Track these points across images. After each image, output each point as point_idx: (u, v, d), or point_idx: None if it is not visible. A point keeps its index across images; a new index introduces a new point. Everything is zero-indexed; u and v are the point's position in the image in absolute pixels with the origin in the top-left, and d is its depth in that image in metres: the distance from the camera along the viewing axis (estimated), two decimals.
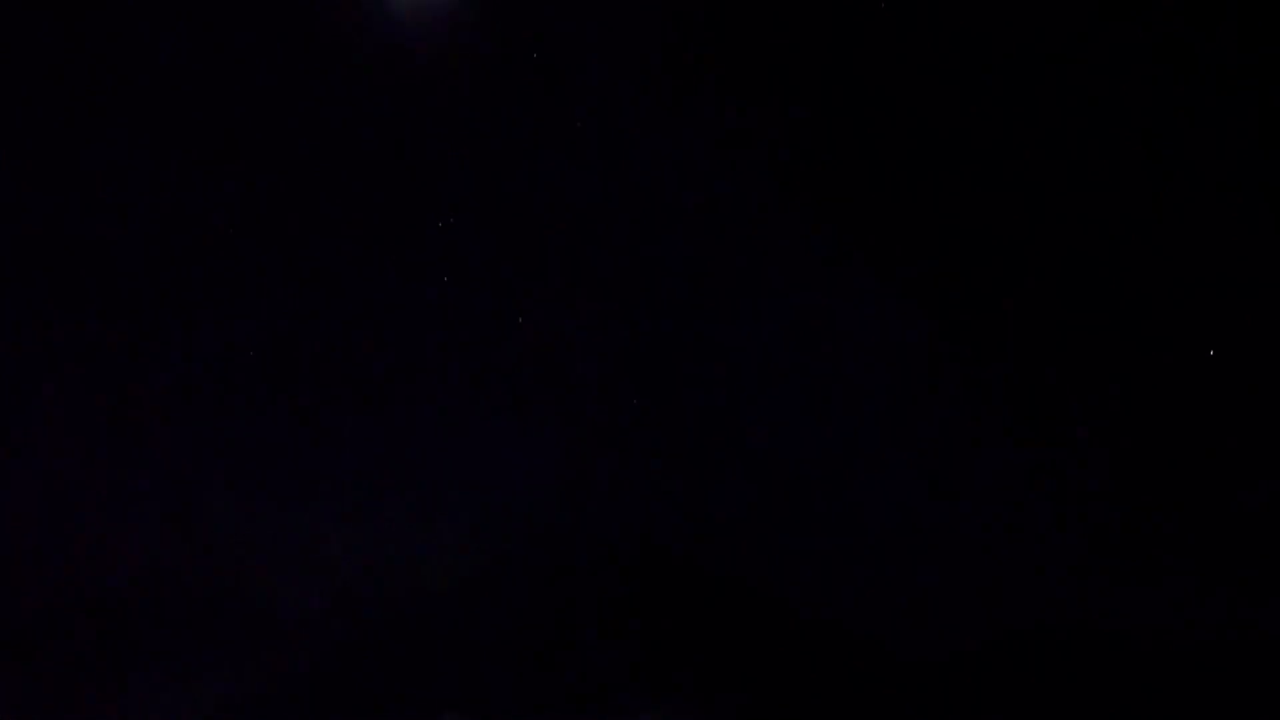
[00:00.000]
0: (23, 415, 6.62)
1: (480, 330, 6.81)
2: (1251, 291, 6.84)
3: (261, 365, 6.72)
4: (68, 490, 6.77)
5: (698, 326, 6.84)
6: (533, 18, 6.31)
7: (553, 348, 6.76)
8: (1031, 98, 6.61)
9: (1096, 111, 6.65)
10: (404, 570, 6.91)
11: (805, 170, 6.75)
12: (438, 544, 6.95)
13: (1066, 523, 6.99)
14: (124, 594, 5.90)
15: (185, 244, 6.65)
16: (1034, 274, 7.03)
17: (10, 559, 6.52)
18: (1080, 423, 7.01)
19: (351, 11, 6.29)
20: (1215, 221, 6.85)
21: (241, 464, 6.86)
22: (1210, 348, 6.57)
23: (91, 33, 6.45)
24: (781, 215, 6.78)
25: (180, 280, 6.68)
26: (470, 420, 6.96)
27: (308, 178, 6.61)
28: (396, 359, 6.87)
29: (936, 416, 7.00)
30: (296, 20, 6.29)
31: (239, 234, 6.60)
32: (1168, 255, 6.82)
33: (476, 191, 6.63)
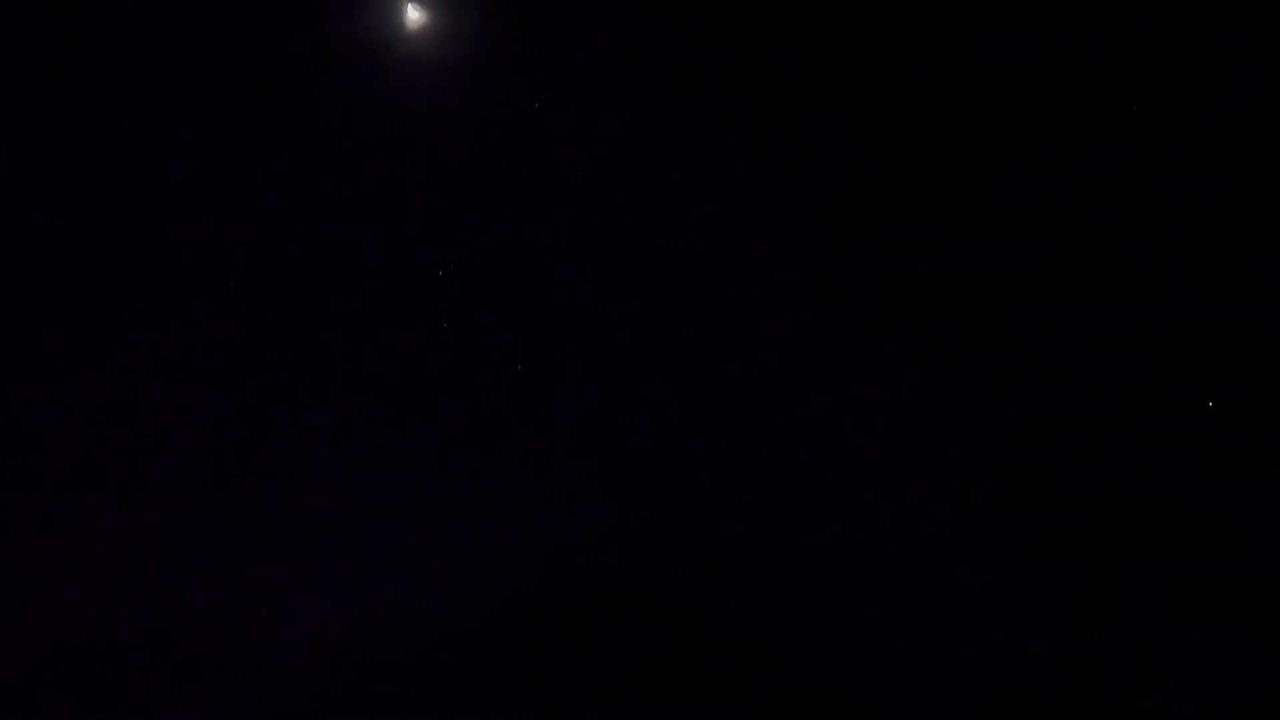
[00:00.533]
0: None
1: (479, 376, 6.84)
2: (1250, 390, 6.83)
3: (258, 404, 6.76)
4: (58, 533, 6.77)
5: (703, 372, 6.84)
6: (535, 67, 6.40)
7: (552, 393, 6.79)
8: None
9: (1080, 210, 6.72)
10: (403, 616, 6.87)
11: (813, 253, 6.80)
12: (438, 587, 6.93)
13: (1062, 589, 6.95)
14: (120, 639, 5.90)
15: (182, 290, 6.71)
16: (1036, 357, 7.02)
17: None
18: (1076, 497, 6.95)
19: (350, 63, 6.39)
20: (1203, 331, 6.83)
21: (239, 508, 6.87)
22: (1210, 401, 6.56)
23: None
24: (786, 278, 6.82)
25: (178, 323, 6.73)
26: (469, 465, 6.96)
27: (306, 218, 6.68)
28: (393, 404, 6.90)
29: (934, 474, 6.97)
30: (292, 69, 6.39)
31: (239, 276, 6.67)
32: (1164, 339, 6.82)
33: (478, 237, 6.69)
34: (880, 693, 6.68)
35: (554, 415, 6.86)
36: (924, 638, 6.78)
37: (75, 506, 6.32)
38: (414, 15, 6.36)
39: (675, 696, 6.83)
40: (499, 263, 6.58)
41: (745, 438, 6.73)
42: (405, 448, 6.88)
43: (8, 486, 6.30)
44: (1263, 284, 6.23)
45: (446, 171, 6.48)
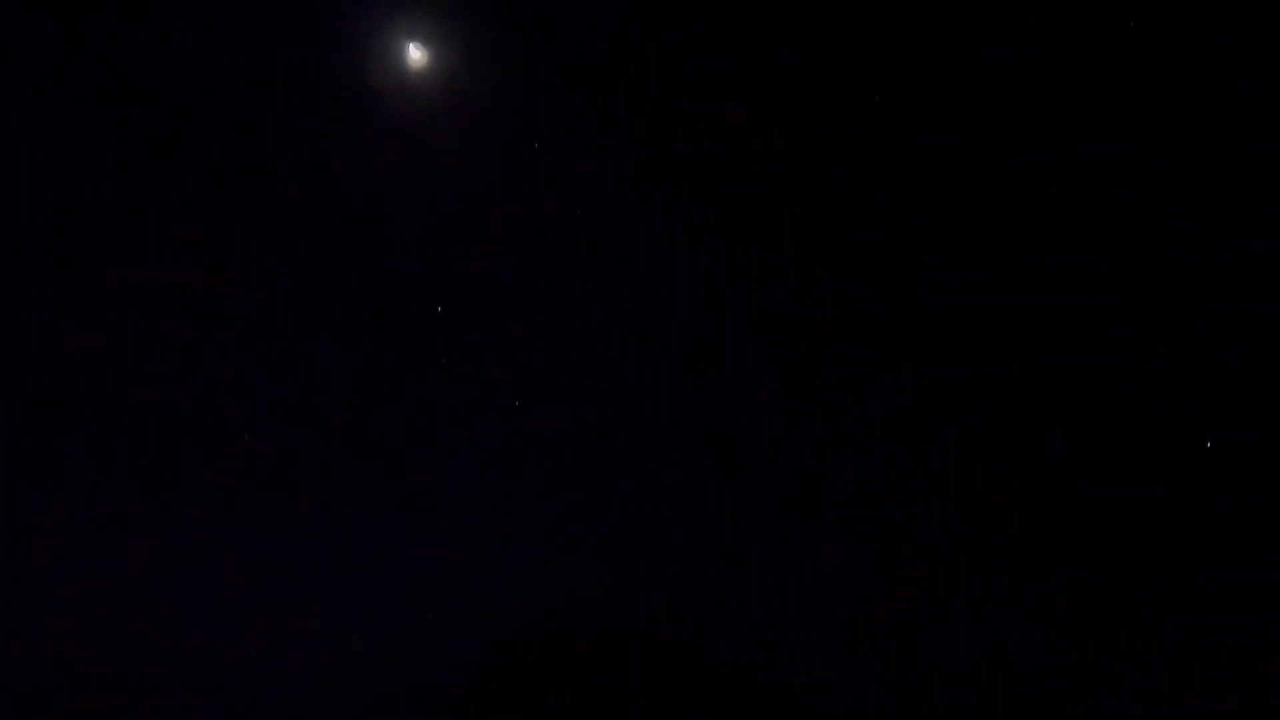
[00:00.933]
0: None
1: (476, 414, 6.85)
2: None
3: (251, 448, 6.75)
4: (49, 574, 6.74)
5: (696, 416, 6.86)
6: (537, 106, 6.47)
7: (548, 431, 6.80)
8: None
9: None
10: (398, 660, 6.83)
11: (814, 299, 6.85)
12: (432, 633, 6.89)
13: (1053, 628, 6.93)
14: (115, 680, 5.86)
15: (177, 333, 6.72)
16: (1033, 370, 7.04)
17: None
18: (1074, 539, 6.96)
19: (348, 111, 6.46)
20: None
21: (233, 551, 6.85)
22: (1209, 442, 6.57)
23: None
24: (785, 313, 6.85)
25: (173, 366, 6.74)
26: (462, 508, 6.95)
27: (305, 255, 6.71)
28: (391, 437, 6.90)
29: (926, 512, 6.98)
30: (289, 114, 6.46)
31: (238, 312, 6.70)
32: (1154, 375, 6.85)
33: (477, 273, 6.73)
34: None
35: (550, 448, 6.86)
36: (918, 669, 6.76)
37: (61, 547, 6.31)
38: (415, 54, 6.44)
39: None
40: (497, 298, 6.62)
41: (740, 467, 6.74)
42: (402, 484, 6.87)
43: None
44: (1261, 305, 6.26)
45: (447, 209, 6.53)
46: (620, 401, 6.82)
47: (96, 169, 6.45)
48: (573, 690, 6.90)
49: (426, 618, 6.87)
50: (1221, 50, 6.27)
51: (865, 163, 6.48)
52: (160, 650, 6.67)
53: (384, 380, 6.77)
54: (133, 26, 6.38)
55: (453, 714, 6.90)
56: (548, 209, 6.52)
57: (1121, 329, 6.46)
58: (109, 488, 6.48)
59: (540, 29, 6.38)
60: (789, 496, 6.80)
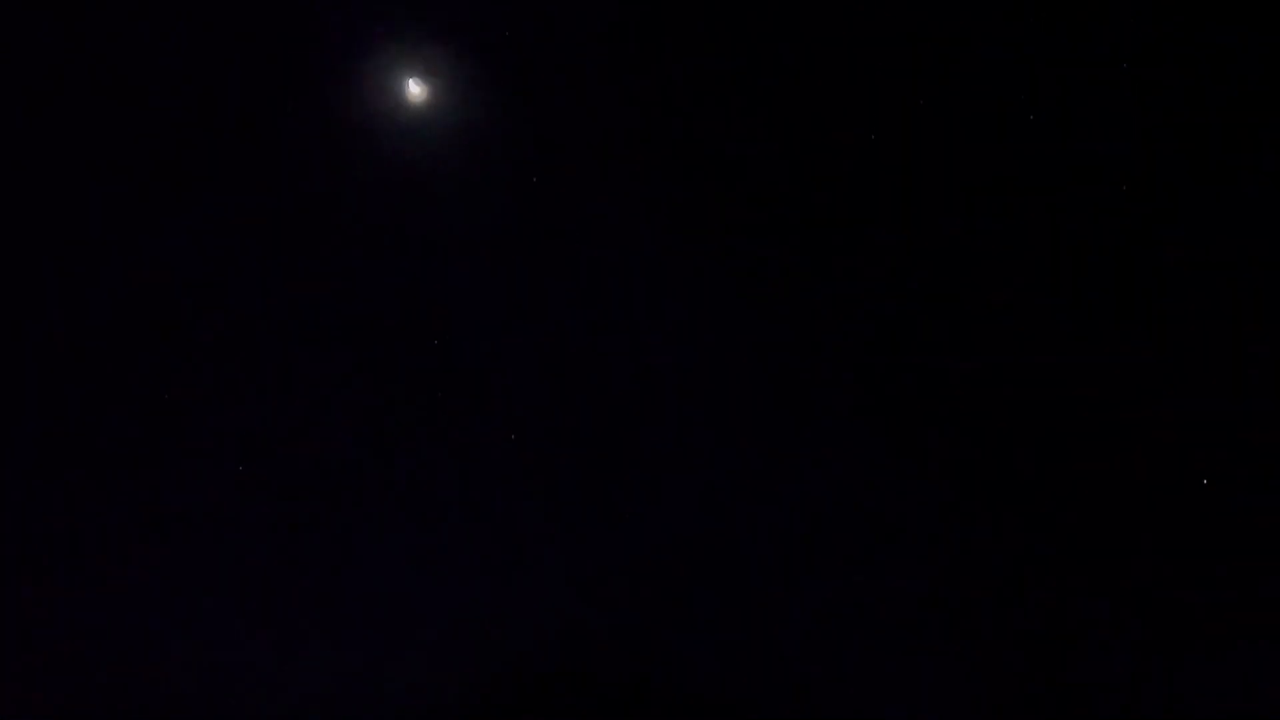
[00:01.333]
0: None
1: (468, 454, 6.81)
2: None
3: (239, 487, 6.71)
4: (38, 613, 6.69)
5: (691, 452, 6.83)
6: (535, 142, 6.45)
7: (540, 469, 6.76)
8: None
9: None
10: (379, 696, 6.77)
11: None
12: (414, 670, 6.83)
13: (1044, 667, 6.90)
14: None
15: (173, 375, 6.69)
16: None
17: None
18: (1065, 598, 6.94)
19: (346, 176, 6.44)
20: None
21: (217, 587, 6.79)
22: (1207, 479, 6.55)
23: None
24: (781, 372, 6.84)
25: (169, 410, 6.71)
26: (451, 545, 6.90)
27: (301, 290, 6.68)
28: (371, 482, 6.85)
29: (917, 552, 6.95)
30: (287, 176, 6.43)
31: (235, 360, 6.66)
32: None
33: (473, 309, 6.70)
34: None
35: (535, 495, 6.82)
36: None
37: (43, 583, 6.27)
38: (415, 90, 6.40)
39: None
40: (491, 336, 6.59)
41: (720, 518, 6.71)
42: (385, 531, 6.81)
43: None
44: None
45: (444, 245, 6.50)
46: (619, 437, 6.78)
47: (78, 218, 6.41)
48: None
49: (413, 656, 6.81)
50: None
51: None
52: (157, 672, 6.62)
53: (379, 413, 6.73)
54: (134, 63, 6.36)
55: None
56: (545, 242, 6.49)
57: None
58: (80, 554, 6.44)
59: (538, 65, 6.36)
60: (786, 527, 6.78)
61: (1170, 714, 6.44)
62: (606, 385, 6.65)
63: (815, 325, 6.60)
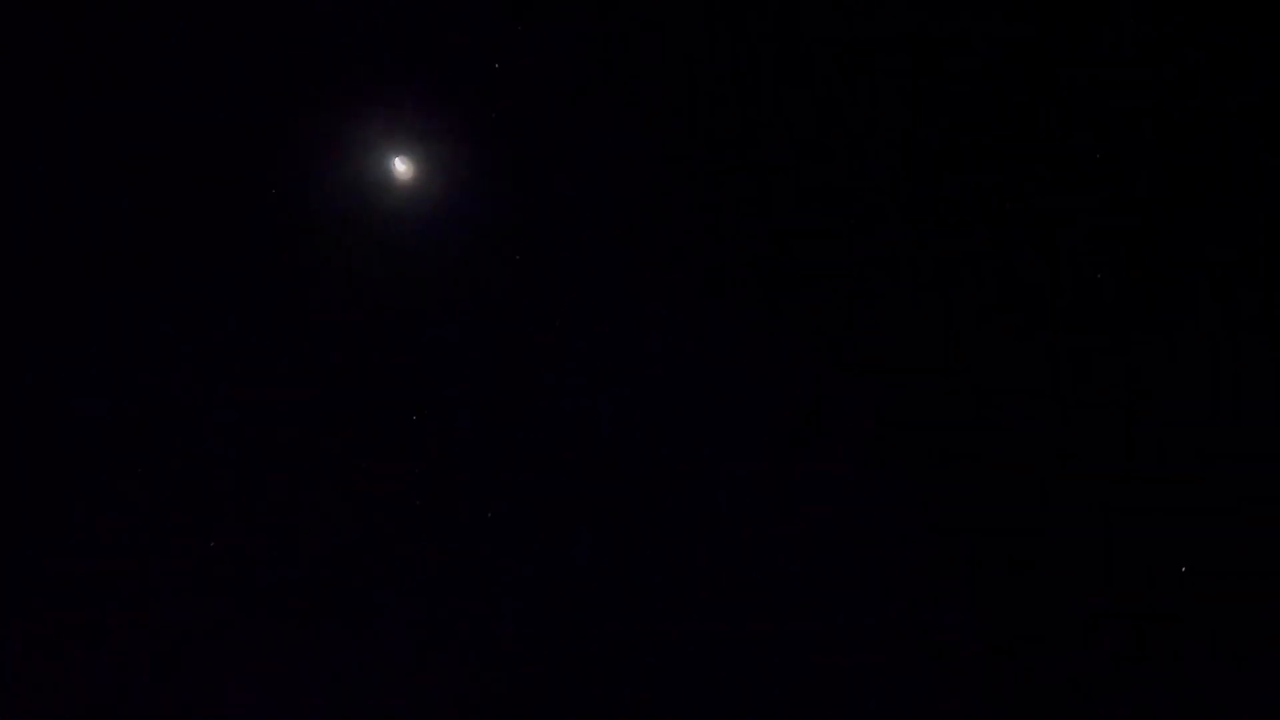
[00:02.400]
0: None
1: (454, 520, 6.90)
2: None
3: (228, 545, 6.79)
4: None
5: (682, 502, 6.92)
6: (522, 220, 6.45)
7: (525, 533, 6.87)
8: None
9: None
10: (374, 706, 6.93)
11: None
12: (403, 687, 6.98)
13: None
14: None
15: (168, 445, 6.74)
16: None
17: None
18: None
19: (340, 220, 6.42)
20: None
21: (206, 639, 6.89)
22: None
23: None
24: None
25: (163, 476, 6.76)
26: (441, 597, 7.01)
27: (282, 367, 6.71)
28: (358, 541, 6.94)
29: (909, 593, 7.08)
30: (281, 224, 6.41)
31: (226, 425, 6.71)
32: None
33: (456, 386, 6.74)
34: None
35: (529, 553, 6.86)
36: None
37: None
38: (401, 168, 6.37)
39: None
40: (475, 411, 6.62)
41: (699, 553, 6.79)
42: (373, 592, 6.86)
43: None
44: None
45: (428, 322, 6.50)
46: (610, 506, 6.81)
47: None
48: None
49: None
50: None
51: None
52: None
53: (362, 488, 6.74)
54: (114, 139, 6.30)
55: None
56: (531, 318, 6.50)
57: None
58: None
59: (529, 143, 6.32)
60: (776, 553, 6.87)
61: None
62: (593, 461, 6.68)
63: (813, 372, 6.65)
